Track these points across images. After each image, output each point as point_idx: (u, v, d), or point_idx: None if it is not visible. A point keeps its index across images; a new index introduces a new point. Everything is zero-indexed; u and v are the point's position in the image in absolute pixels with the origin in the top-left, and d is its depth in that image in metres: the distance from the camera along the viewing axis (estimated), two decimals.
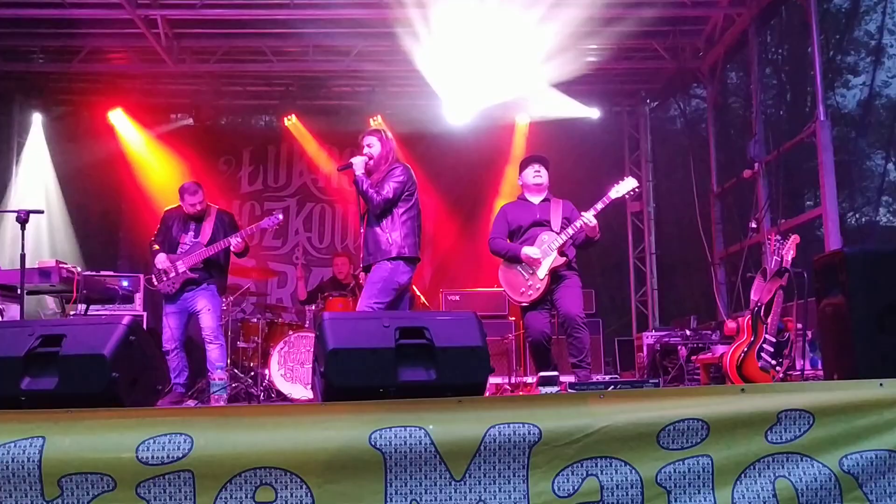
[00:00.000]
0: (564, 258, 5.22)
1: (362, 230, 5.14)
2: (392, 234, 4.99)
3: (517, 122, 9.64)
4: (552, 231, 5.27)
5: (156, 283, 6.18)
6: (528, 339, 5.33)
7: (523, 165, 5.56)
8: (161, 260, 6.15)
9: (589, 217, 5.17)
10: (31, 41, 8.57)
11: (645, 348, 7.75)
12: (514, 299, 5.38)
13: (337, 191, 9.96)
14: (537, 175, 5.44)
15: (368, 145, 5.22)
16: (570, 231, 5.21)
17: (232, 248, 6.16)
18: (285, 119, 9.62)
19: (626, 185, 5.34)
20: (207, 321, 6.12)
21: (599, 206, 5.27)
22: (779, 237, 5.11)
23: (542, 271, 5.17)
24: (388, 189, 5.00)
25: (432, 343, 3.05)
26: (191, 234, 6.26)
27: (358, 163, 5.11)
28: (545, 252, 5.19)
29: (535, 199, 5.46)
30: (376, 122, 9.23)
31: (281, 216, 6.49)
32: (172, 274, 6.10)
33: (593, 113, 9.55)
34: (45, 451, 2.60)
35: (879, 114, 11.29)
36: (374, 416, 2.74)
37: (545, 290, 5.18)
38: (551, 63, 8.95)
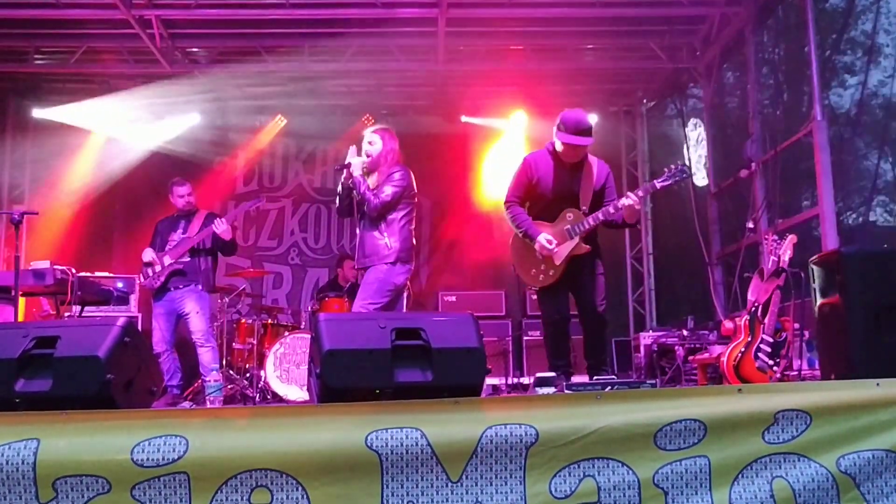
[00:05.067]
0: (588, 247, 4.67)
1: (358, 231, 5.04)
2: (390, 239, 4.90)
3: (513, 120, 9.62)
4: (578, 210, 4.69)
5: (142, 279, 6.21)
6: (545, 318, 4.78)
7: (568, 123, 4.63)
8: (147, 253, 6.19)
9: (633, 198, 4.52)
10: (26, 42, 8.53)
11: (642, 349, 7.75)
12: (523, 279, 4.86)
13: (332, 191, 9.93)
14: (575, 148, 4.65)
15: (370, 143, 5.04)
16: (601, 216, 4.64)
17: (218, 233, 6.11)
18: (280, 119, 9.59)
19: (675, 174, 4.65)
20: (197, 324, 6.10)
21: (640, 192, 4.64)
22: (776, 237, 5.11)
23: (559, 259, 4.65)
24: (387, 193, 4.88)
25: (429, 344, 3.04)
26: (179, 231, 6.26)
27: (356, 164, 4.95)
28: (565, 236, 4.65)
29: (568, 160, 4.72)
30: (367, 119, 9.21)
31: (263, 200, 6.54)
32: (158, 267, 6.12)
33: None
34: (40, 453, 2.59)
35: (875, 113, 11.30)
36: (370, 418, 2.73)
37: (560, 277, 4.68)
38: (549, 62, 8.99)
